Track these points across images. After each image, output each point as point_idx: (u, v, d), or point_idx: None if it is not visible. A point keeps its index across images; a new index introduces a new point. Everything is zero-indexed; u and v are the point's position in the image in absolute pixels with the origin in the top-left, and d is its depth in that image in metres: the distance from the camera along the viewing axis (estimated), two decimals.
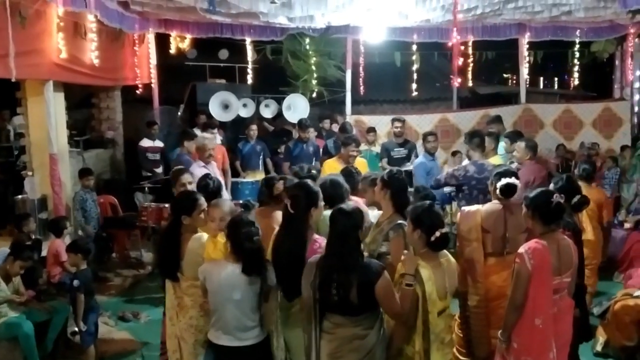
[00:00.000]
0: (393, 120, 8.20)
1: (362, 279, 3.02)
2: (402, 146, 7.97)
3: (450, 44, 6.91)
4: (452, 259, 3.42)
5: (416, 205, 3.48)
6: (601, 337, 5.05)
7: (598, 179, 8.47)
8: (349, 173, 4.79)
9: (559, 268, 3.37)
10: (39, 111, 6.56)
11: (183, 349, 3.76)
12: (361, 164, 6.46)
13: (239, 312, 3.32)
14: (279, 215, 3.93)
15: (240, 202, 5.45)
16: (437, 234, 3.20)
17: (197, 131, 8.12)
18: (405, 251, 3.25)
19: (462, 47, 10.78)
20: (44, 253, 6.06)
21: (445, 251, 3.36)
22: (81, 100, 10.19)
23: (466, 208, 4.44)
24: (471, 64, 11.59)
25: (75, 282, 4.70)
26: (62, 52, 6.18)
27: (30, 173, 6.91)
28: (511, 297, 3.44)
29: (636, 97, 11.44)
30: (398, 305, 3.10)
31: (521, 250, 3.38)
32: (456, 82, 6.97)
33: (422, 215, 3.28)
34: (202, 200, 3.91)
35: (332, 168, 5.93)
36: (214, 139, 7.24)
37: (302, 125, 8.13)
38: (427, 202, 3.51)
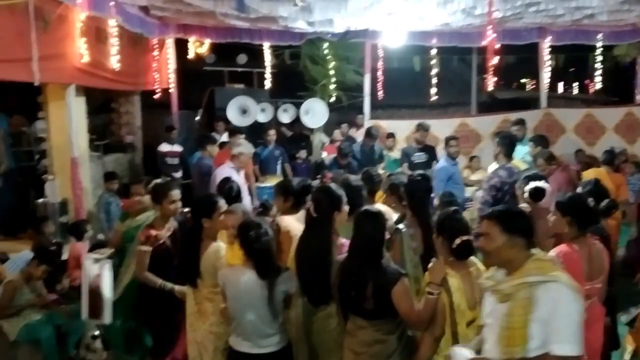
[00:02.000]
0: (418, 128, 8.08)
1: (377, 283, 3.01)
2: (423, 151, 7.89)
3: (484, 42, 6.86)
4: (482, 267, 3.26)
5: (442, 211, 3.41)
6: (629, 346, 4.91)
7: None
8: (369, 177, 4.74)
9: (590, 273, 3.30)
10: (60, 115, 6.60)
11: (204, 355, 3.74)
12: None
13: (258, 318, 3.28)
14: (291, 220, 3.98)
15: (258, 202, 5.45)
16: (458, 240, 3.08)
17: (217, 136, 8.13)
18: (434, 259, 3.15)
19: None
20: (64, 256, 6.07)
21: (474, 259, 3.23)
22: (101, 105, 10.25)
23: None
24: (491, 69, 11.49)
25: None
26: (84, 56, 6.20)
27: (51, 177, 6.94)
28: None
29: None
30: (415, 314, 3.03)
31: (552, 253, 3.31)
32: (491, 82, 6.88)
33: (445, 221, 3.20)
34: (222, 202, 3.89)
35: None
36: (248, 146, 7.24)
37: (342, 153, 7.93)
38: (452, 208, 3.42)
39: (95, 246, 6.03)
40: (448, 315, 3.04)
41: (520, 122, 7.79)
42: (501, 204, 5.17)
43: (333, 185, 3.69)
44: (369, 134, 8.24)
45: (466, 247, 3.12)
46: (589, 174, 6.92)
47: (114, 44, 7.02)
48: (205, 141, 7.05)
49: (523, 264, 2.51)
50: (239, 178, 6.06)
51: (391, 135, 8.97)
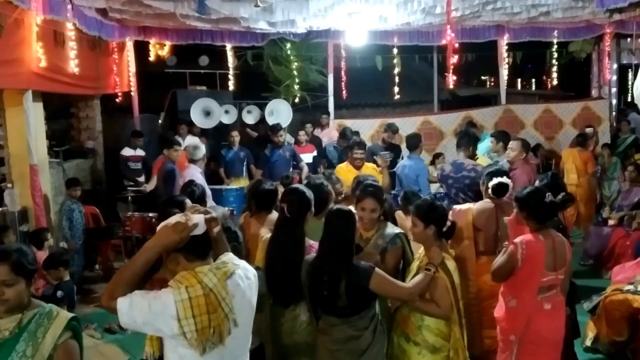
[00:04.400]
0: (387, 128, 8.19)
1: (350, 280, 3.04)
2: (388, 149, 7.96)
3: (444, 41, 7.01)
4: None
5: (419, 203, 3.56)
6: (590, 333, 5.07)
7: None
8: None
9: (554, 264, 3.39)
10: (18, 122, 6.42)
11: None
12: (370, 169, 6.47)
13: None
14: (269, 220, 3.94)
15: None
16: (448, 223, 3.43)
17: (180, 139, 8.04)
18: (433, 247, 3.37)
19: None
20: None
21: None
22: (59, 109, 10.02)
23: (457, 207, 4.45)
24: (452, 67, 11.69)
25: (59, 293, 4.62)
26: (42, 61, 6.05)
27: (9, 185, 6.76)
28: (494, 270, 3.56)
29: (614, 96, 11.63)
30: (404, 290, 3.18)
31: (517, 240, 3.42)
32: (451, 80, 7.05)
33: (431, 211, 3.42)
34: (189, 203, 3.84)
35: (344, 173, 6.00)
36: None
37: (274, 129, 8.23)
38: (429, 198, 3.79)
39: (55, 254, 5.91)
40: (451, 294, 3.26)
41: (471, 125, 8.03)
42: (449, 198, 5.30)
43: (304, 187, 3.69)
44: (344, 134, 8.39)
45: (453, 229, 3.50)
46: (564, 153, 9.02)
47: (72, 48, 6.88)
48: (164, 145, 6.94)
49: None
50: (204, 181, 6.02)
51: (355, 134, 9.02)
